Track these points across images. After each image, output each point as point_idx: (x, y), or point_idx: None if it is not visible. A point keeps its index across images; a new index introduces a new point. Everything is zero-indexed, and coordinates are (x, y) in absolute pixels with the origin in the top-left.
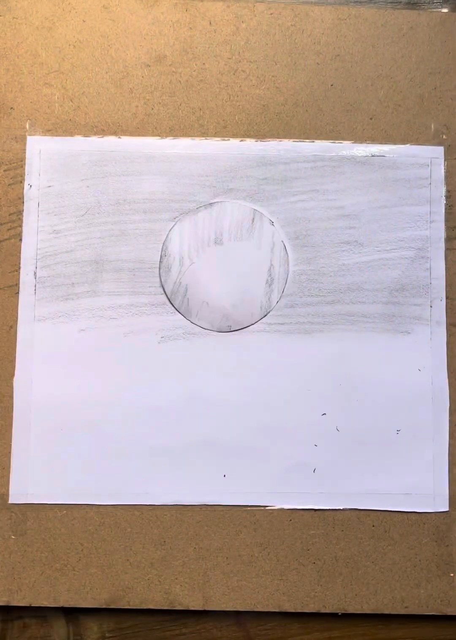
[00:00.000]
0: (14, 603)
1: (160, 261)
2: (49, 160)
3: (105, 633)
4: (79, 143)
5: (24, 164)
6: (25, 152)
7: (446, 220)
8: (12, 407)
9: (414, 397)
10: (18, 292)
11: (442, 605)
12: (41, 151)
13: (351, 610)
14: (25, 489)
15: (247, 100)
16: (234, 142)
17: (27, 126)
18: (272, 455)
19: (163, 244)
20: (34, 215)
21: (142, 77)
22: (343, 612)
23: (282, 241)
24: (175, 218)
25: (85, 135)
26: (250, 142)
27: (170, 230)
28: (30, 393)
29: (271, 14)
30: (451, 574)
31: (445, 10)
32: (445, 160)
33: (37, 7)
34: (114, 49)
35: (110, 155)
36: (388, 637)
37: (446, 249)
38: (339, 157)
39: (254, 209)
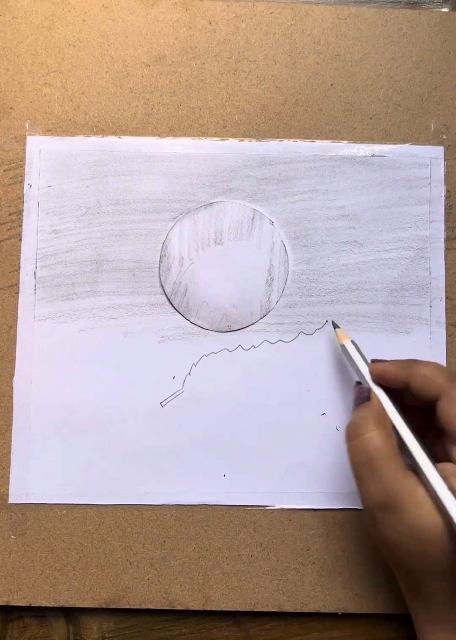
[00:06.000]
0: (14, 603)
1: (160, 261)
2: (48, 160)
3: (105, 633)
4: (78, 143)
5: (24, 163)
6: (25, 152)
7: (446, 220)
8: (12, 407)
9: None
10: (18, 292)
11: None
12: (41, 151)
13: (351, 610)
14: (25, 489)
15: (247, 100)
16: (234, 142)
17: (27, 126)
18: (272, 455)
19: (163, 243)
20: (34, 215)
21: (142, 76)
22: (343, 612)
23: (282, 241)
24: (175, 218)
25: (85, 135)
26: (250, 142)
27: (170, 230)
28: (30, 393)
29: (271, 13)
30: None
31: (445, 9)
32: (445, 160)
33: (37, 6)
34: (114, 48)
35: (110, 155)
36: (388, 637)
37: (446, 249)
38: (339, 157)
39: (254, 209)
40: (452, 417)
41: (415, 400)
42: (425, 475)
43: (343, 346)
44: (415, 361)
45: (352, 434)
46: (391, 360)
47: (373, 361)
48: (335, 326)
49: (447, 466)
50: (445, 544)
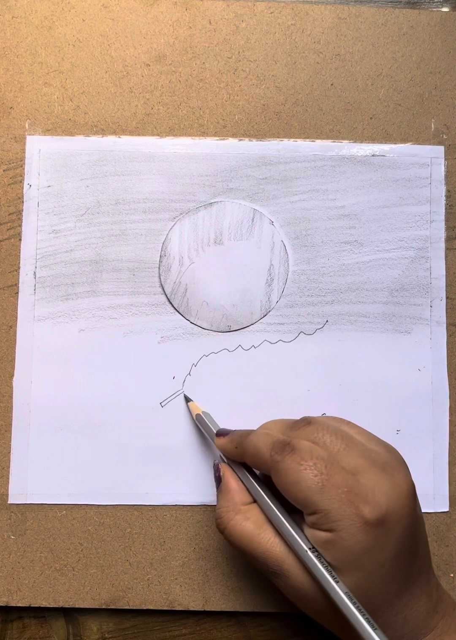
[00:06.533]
0: (14, 603)
1: (159, 261)
2: (48, 159)
3: (104, 633)
4: (78, 143)
5: (24, 163)
6: (24, 152)
7: (447, 220)
8: (12, 407)
9: (414, 397)
10: (18, 292)
11: None
12: (40, 151)
13: None
14: (24, 489)
15: (247, 100)
16: (234, 142)
17: (27, 126)
18: None
19: (163, 243)
20: (34, 215)
21: (142, 76)
22: None
23: (282, 241)
24: (174, 218)
25: (85, 135)
26: (250, 142)
27: (169, 230)
28: (30, 393)
29: (271, 13)
30: (451, 574)
31: (445, 9)
32: (445, 159)
33: (37, 6)
34: (114, 48)
35: (109, 155)
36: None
37: (446, 249)
38: (339, 157)
39: (254, 209)
40: (284, 489)
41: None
42: (286, 537)
43: (198, 417)
44: (247, 434)
45: (218, 527)
46: (231, 434)
47: (218, 433)
48: (187, 399)
49: (305, 529)
50: (322, 600)
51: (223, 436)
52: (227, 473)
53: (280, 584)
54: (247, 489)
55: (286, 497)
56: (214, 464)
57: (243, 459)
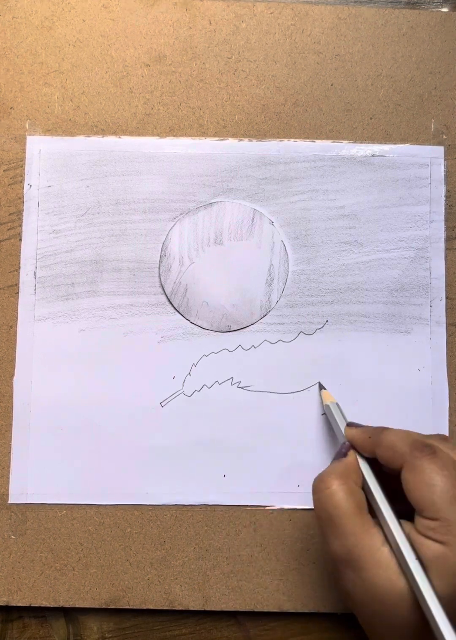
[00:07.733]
0: (14, 603)
1: (159, 261)
2: (48, 160)
3: (104, 633)
4: (78, 143)
5: (24, 163)
6: (24, 152)
7: (446, 220)
8: (12, 407)
9: (414, 397)
10: (18, 292)
11: None
12: (41, 151)
13: (351, 610)
14: (25, 489)
15: (247, 100)
16: (234, 142)
17: (27, 126)
18: (272, 455)
19: (163, 244)
20: (34, 215)
21: (142, 76)
22: (343, 612)
23: (282, 241)
24: (175, 218)
25: (85, 135)
26: (250, 142)
27: (170, 230)
28: (30, 393)
29: (271, 13)
30: None
31: (445, 9)
32: (445, 160)
33: (37, 6)
34: (114, 48)
35: (109, 155)
36: None
37: (446, 249)
38: (339, 157)
39: (254, 209)
40: (412, 486)
41: (386, 467)
42: (393, 538)
43: (327, 406)
44: (383, 429)
45: (315, 488)
46: (364, 427)
47: (349, 424)
48: (321, 387)
49: (413, 535)
50: (406, 607)
51: (355, 427)
52: (355, 454)
53: (349, 574)
54: (365, 482)
55: (409, 495)
56: (344, 443)
57: (373, 450)
